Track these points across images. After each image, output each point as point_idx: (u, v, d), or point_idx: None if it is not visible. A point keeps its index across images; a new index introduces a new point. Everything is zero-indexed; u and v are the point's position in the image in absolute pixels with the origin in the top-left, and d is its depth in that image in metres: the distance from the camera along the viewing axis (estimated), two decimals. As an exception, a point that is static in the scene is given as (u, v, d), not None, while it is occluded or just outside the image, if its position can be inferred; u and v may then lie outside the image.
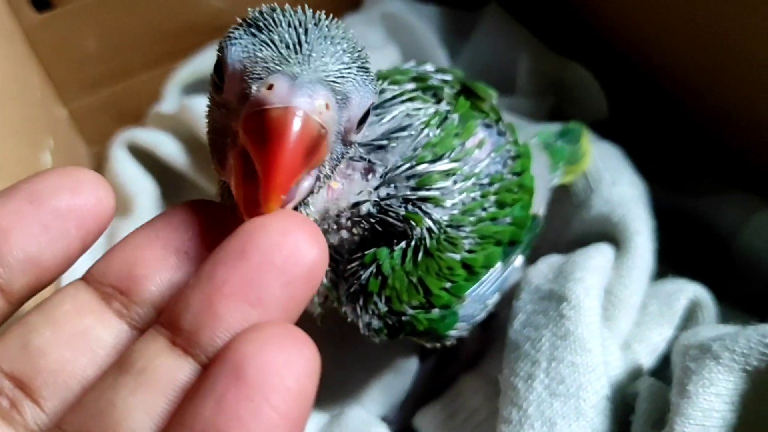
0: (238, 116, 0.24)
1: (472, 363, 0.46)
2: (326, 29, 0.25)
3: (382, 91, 0.36)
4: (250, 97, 0.23)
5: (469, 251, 0.34)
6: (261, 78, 0.24)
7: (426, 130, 0.34)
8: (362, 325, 0.35)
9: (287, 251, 0.20)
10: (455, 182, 0.34)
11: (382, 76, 0.37)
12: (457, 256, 0.34)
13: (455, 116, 0.36)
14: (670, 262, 0.53)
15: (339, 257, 0.34)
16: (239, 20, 0.26)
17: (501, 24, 0.67)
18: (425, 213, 0.33)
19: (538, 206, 0.41)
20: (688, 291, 0.42)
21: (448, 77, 0.39)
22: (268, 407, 0.18)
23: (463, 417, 0.41)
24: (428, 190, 0.33)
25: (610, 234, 0.45)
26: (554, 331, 0.37)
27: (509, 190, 0.36)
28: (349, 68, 0.25)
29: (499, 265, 0.37)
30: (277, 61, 0.24)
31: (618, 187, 0.47)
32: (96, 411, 0.20)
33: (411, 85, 0.37)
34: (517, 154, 0.38)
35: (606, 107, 0.60)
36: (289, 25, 0.25)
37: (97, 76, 0.66)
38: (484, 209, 0.35)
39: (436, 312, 0.35)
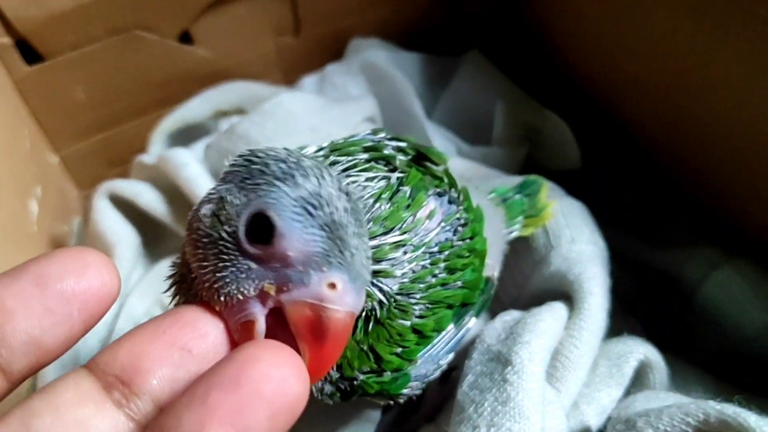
0: (281, 283, 0.26)
1: (431, 416, 0.47)
2: (350, 209, 0.27)
3: (334, 163, 0.36)
4: (307, 287, 0.26)
5: (420, 317, 0.35)
6: (321, 271, 0.26)
7: (377, 204, 0.34)
8: (315, 390, 0.36)
9: (276, 384, 0.21)
10: (405, 252, 0.34)
11: (335, 148, 0.37)
12: (407, 323, 0.35)
13: (407, 188, 0.36)
14: (636, 313, 0.53)
15: None
16: (275, 165, 0.27)
17: (480, 70, 0.69)
18: (376, 286, 0.33)
19: (492, 268, 0.42)
20: (638, 352, 0.42)
21: (403, 144, 0.40)
22: None
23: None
24: (379, 262, 0.33)
25: (566, 292, 0.45)
26: (496, 396, 0.37)
27: (459, 256, 0.37)
28: (369, 261, 0.28)
29: (451, 326, 0.38)
30: (339, 260, 0.26)
31: (577, 245, 0.47)
32: None
33: (364, 156, 0.37)
34: (467, 221, 0.39)
35: (579, 157, 0.61)
36: (334, 210, 0.27)
37: (86, 123, 0.68)
38: (434, 276, 0.36)
39: (387, 375, 0.35)
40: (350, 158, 0.36)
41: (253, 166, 0.28)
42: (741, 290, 0.48)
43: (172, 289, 0.32)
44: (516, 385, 0.37)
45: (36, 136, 0.65)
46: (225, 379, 0.21)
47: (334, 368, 0.34)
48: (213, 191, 0.29)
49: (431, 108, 0.69)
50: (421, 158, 0.39)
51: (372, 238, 0.33)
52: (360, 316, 0.33)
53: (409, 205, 0.35)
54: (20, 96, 0.63)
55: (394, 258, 0.33)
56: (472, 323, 0.41)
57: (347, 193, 0.28)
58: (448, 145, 0.63)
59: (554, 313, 0.43)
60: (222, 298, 0.26)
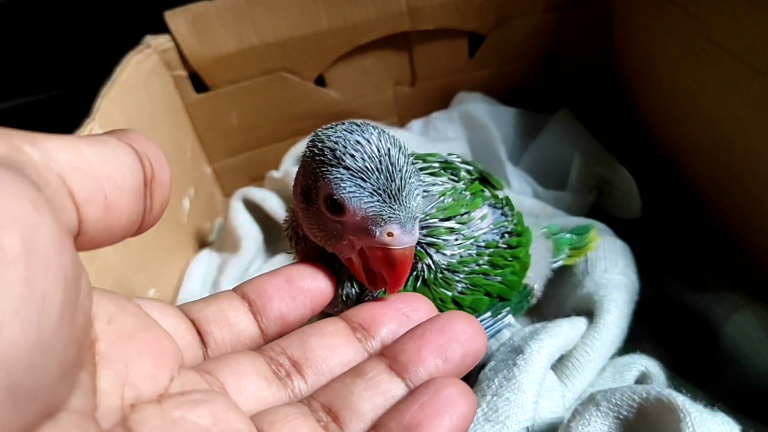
0: (359, 236, 0.35)
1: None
2: (405, 170, 0.35)
3: (413, 163, 0.46)
4: (374, 237, 0.35)
5: (460, 292, 0.44)
6: (380, 225, 0.34)
7: (442, 198, 0.44)
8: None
9: (468, 335, 0.30)
10: (456, 239, 0.43)
11: (417, 156, 0.48)
12: (449, 293, 0.44)
13: (467, 193, 0.46)
14: (669, 347, 0.60)
15: None
16: (329, 152, 0.34)
17: (566, 125, 0.78)
18: (427, 254, 0.42)
19: (533, 281, 0.51)
20: (641, 364, 0.50)
21: (470, 167, 0.49)
22: (448, 417, 0.26)
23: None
24: (434, 237, 0.42)
25: (591, 310, 0.54)
26: (505, 374, 0.46)
27: (502, 256, 0.46)
28: (419, 196, 0.36)
29: (488, 314, 0.47)
30: (389, 215, 0.34)
31: (609, 274, 0.55)
32: (339, 394, 0.29)
33: (437, 164, 0.48)
34: (514, 232, 0.48)
35: (640, 208, 0.68)
36: (387, 172, 0.34)
37: (236, 144, 0.85)
38: (478, 265, 0.44)
39: None
40: (425, 164, 0.47)
41: (319, 154, 0.35)
42: (755, 331, 0.53)
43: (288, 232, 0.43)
44: (521, 368, 0.46)
45: (196, 149, 0.82)
46: (436, 326, 0.31)
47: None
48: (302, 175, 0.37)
49: (519, 157, 0.79)
50: (484, 180, 0.49)
51: (432, 219, 0.43)
52: (411, 274, 0.42)
53: (466, 205, 0.45)
54: (188, 117, 0.80)
55: (447, 240, 0.43)
56: (509, 319, 0.49)
57: (399, 147, 0.35)
58: (525, 187, 0.73)
59: (573, 323, 0.52)
60: (330, 246, 0.37)
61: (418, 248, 0.42)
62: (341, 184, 0.34)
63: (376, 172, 0.34)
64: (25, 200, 0.19)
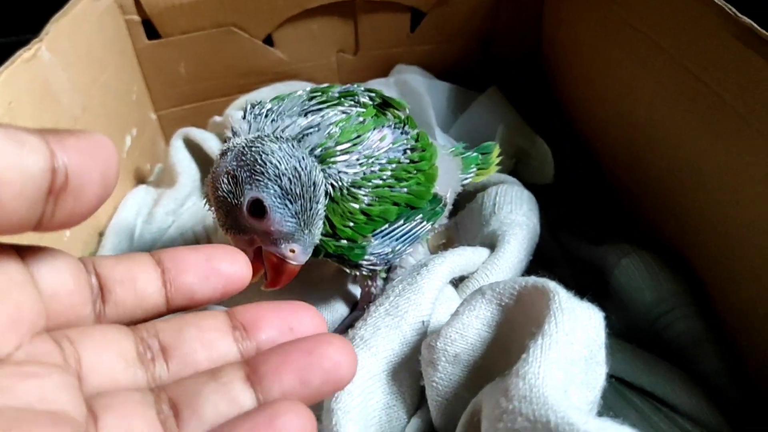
0: (263, 239, 0.45)
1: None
2: (320, 202, 0.45)
3: (313, 98, 0.51)
4: (278, 247, 0.45)
5: (368, 204, 0.49)
6: (288, 242, 0.44)
7: (332, 127, 0.49)
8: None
9: (333, 363, 0.29)
10: (357, 159, 0.48)
11: (320, 90, 0.53)
12: (357, 206, 0.49)
13: (363, 119, 0.51)
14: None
15: None
16: (272, 168, 0.43)
17: (493, 101, 0.84)
18: (330, 175, 0.47)
19: (444, 190, 0.56)
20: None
21: (373, 94, 0.55)
22: None
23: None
24: (330, 159, 0.47)
25: (494, 244, 0.59)
26: (408, 281, 0.51)
27: (405, 170, 0.51)
28: (320, 228, 0.47)
29: (401, 221, 0.52)
30: (299, 236, 0.44)
31: (513, 215, 0.60)
32: (189, 391, 0.28)
33: (337, 94, 0.53)
34: (417, 148, 0.53)
35: (552, 175, 0.75)
36: (309, 202, 0.44)
37: (183, 94, 0.88)
38: (382, 180, 0.50)
39: (344, 242, 0.50)
40: (324, 95, 0.52)
41: (257, 166, 0.43)
42: (640, 273, 0.59)
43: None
44: (423, 275, 0.51)
45: (143, 94, 0.85)
46: (304, 346, 0.30)
47: None
48: (229, 166, 0.44)
49: (448, 128, 0.85)
50: (386, 105, 0.55)
51: (323, 147, 0.47)
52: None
53: (357, 130, 0.50)
54: (138, 61, 0.83)
55: (346, 160, 0.48)
56: (426, 226, 0.55)
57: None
58: (449, 147, 0.78)
59: (476, 250, 0.57)
60: (230, 236, 0.46)
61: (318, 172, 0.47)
62: (274, 199, 0.43)
63: (301, 200, 0.43)
64: None
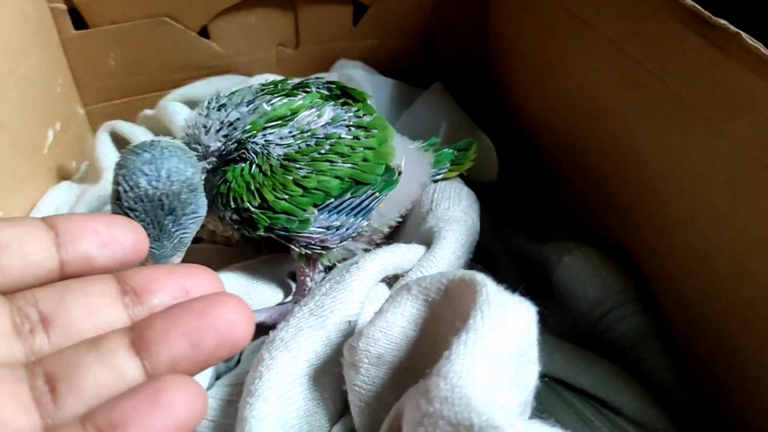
0: None
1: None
2: (167, 220, 0.45)
3: (264, 91, 0.53)
4: None
5: (304, 177, 0.50)
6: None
7: (267, 108, 0.51)
8: (227, 219, 0.50)
9: (226, 323, 0.27)
10: (291, 132, 0.50)
11: (275, 83, 0.55)
12: (290, 177, 0.49)
13: (300, 101, 0.52)
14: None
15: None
16: (116, 172, 0.44)
17: (437, 98, 0.81)
18: (253, 144, 0.49)
19: (399, 159, 0.56)
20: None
21: (332, 86, 0.56)
22: (160, 421, 0.24)
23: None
24: (254, 132, 0.49)
25: (431, 241, 0.56)
26: (337, 279, 0.47)
27: (347, 145, 0.52)
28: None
29: (348, 195, 0.52)
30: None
31: (450, 211, 0.57)
32: (68, 362, 0.26)
33: (289, 86, 0.54)
34: (362, 126, 0.54)
35: (496, 172, 0.72)
36: (150, 217, 0.44)
37: (113, 88, 0.83)
38: (320, 153, 0.50)
39: (281, 215, 0.50)
40: (278, 87, 0.54)
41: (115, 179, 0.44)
42: (583, 271, 0.57)
43: None
44: (353, 273, 0.48)
45: (69, 87, 0.80)
46: (195, 307, 0.28)
47: (231, 198, 0.49)
48: (120, 179, 0.43)
49: (392, 123, 0.82)
50: (346, 95, 0.55)
51: (250, 124, 0.50)
52: (244, 165, 0.49)
53: (291, 109, 0.51)
54: (64, 53, 0.79)
55: (277, 132, 0.50)
56: (377, 198, 0.55)
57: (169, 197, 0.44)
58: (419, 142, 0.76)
59: (411, 247, 0.53)
60: None
61: (244, 146, 0.49)
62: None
63: (147, 216, 0.44)
64: None
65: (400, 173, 0.56)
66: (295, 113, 0.51)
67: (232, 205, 0.49)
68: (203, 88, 0.81)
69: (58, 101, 0.77)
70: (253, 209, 0.49)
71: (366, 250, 0.57)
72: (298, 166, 0.49)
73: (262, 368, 0.42)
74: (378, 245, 0.58)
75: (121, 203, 0.43)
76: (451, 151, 0.64)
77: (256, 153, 0.49)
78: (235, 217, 0.50)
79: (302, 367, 0.43)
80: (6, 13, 0.67)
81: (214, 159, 0.50)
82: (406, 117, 0.82)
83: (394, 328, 0.40)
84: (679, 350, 0.52)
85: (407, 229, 0.61)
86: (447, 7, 0.86)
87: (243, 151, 0.49)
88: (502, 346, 0.35)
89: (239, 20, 0.82)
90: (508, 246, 0.67)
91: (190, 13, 0.80)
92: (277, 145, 0.49)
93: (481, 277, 0.38)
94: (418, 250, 0.54)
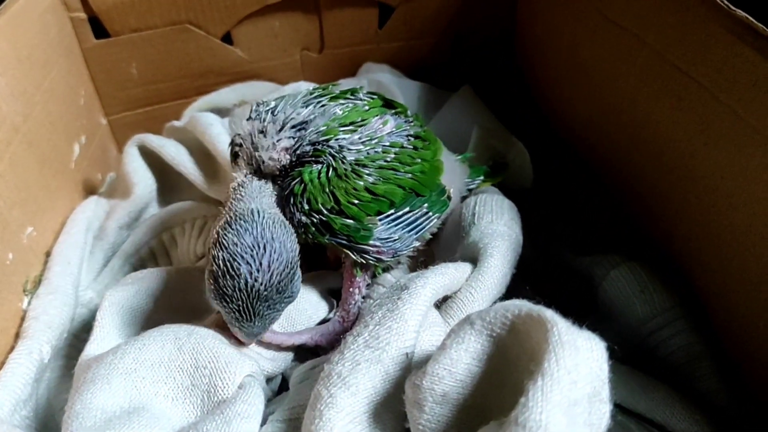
0: None
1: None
2: (258, 303, 0.46)
3: (312, 93, 0.54)
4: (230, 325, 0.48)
5: (373, 183, 0.50)
6: (232, 325, 0.48)
7: (336, 111, 0.52)
8: (296, 222, 0.50)
9: None
10: (360, 138, 0.50)
11: (324, 87, 0.56)
12: (361, 183, 0.50)
13: (367, 107, 0.53)
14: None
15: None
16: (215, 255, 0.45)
17: (467, 101, 0.80)
18: (329, 147, 0.49)
19: (449, 185, 0.57)
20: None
21: (375, 96, 0.57)
22: None
23: (319, 370, 0.51)
24: (333, 137, 0.50)
25: (475, 258, 0.55)
26: (389, 307, 0.46)
27: (409, 155, 0.52)
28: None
29: (407, 208, 0.53)
30: (238, 326, 0.47)
31: (494, 225, 0.57)
32: None
33: (336, 91, 0.55)
34: (419, 136, 0.55)
35: (531, 179, 0.71)
36: (240, 301, 0.45)
37: (135, 96, 0.82)
38: (386, 161, 0.51)
39: (350, 221, 0.50)
40: (326, 90, 0.55)
41: (221, 269, 0.45)
42: (630, 285, 0.56)
43: None
44: (405, 301, 0.47)
45: (91, 97, 0.79)
46: None
47: (304, 200, 0.49)
48: (219, 262, 0.45)
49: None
50: (388, 106, 0.56)
51: (325, 126, 0.50)
52: (321, 167, 0.49)
53: (361, 114, 0.52)
54: (85, 62, 0.77)
55: (349, 138, 0.50)
56: (433, 218, 0.56)
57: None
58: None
59: (458, 266, 0.53)
60: None
61: (318, 147, 0.50)
62: (213, 294, 0.47)
63: (237, 300, 0.46)
64: None
65: (449, 198, 0.57)
66: (365, 119, 0.52)
67: (305, 206, 0.49)
68: (228, 95, 0.80)
69: (83, 113, 0.76)
70: (325, 211, 0.49)
71: (410, 257, 0.58)
72: (367, 172, 0.50)
73: (322, 407, 0.41)
74: (420, 251, 0.58)
75: (218, 288, 0.44)
76: (485, 167, 0.66)
77: (333, 156, 0.49)
78: (304, 219, 0.50)
79: (362, 404, 0.42)
80: (29, 25, 0.65)
81: (284, 162, 0.50)
82: (436, 121, 0.80)
83: (459, 365, 0.39)
84: (733, 369, 0.51)
85: (446, 239, 0.60)
86: (474, 7, 0.84)
87: (318, 154, 0.49)
88: (577, 388, 0.35)
89: (263, 25, 0.81)
90: (545, 255, 0.66)
91: (213, 20, 0.78)
92: (348, 149, 0.50)
93: (550, 314, 0.37)
94: (464, 268, 0.53)
